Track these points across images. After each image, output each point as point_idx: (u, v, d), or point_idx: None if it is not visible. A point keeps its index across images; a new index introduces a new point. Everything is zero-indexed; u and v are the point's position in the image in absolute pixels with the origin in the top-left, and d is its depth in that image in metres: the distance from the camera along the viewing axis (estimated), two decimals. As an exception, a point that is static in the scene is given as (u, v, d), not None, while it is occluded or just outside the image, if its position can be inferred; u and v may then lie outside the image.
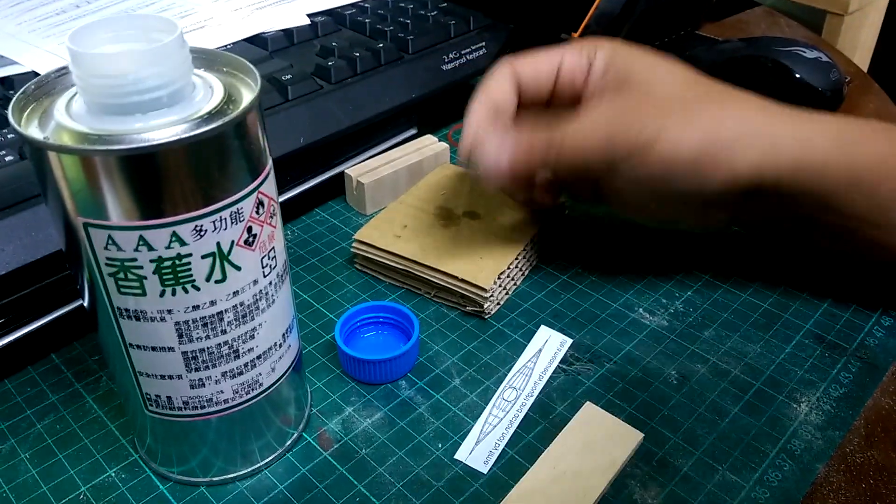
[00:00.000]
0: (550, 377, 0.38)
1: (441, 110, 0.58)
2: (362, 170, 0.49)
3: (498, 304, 0.42)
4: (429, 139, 0.52)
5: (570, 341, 0.40)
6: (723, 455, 0.34)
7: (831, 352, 0.39)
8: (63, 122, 0.24)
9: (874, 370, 0.38)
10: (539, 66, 0.41)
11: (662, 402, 0.37)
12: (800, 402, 0.36)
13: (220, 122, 0.24)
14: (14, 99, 0.25)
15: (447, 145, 0.52)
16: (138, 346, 0.28)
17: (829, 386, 0.37)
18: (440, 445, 0.35)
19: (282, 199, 0.47)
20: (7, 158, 0.38)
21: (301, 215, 0.50)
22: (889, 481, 0.33)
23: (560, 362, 0.39)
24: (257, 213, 0.27)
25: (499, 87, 0.41)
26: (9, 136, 0.40)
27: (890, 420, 0.36)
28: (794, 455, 0.34)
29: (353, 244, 0.45)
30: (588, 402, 0.36)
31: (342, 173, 0.50)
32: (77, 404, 0.37)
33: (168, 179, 0.24)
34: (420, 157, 0.50)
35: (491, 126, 0.40)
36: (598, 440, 0.34)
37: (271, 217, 0.28)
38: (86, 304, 0.29)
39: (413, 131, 0.54)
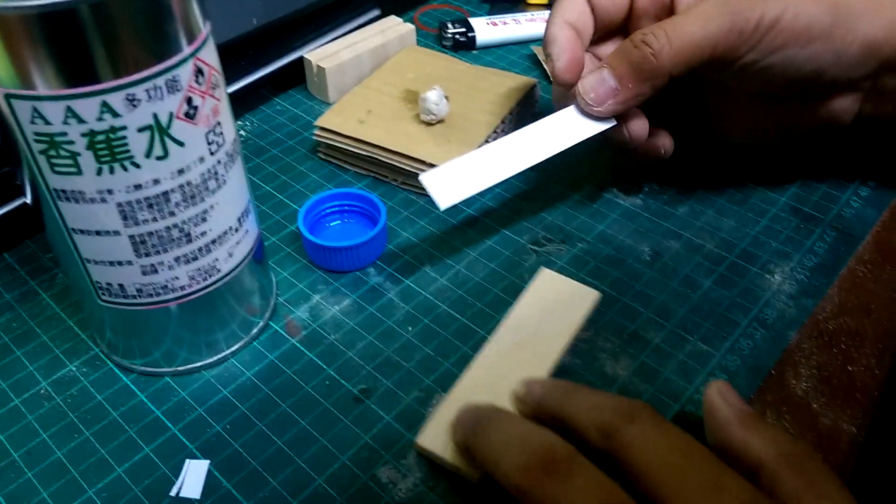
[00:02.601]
0: (521, 259, 0.37)
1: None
2: (323, 54, 0.47)
3: (468, 188, 0.41)
4: (393, 20, 0.50)
5: (541, 224, 0.39)
6: (694, 326, 0.34)
7: (807, 223, 0.38)
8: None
9: (850, 239, 0.38)
10: None
11: (635, 278, 0.36)
12: (773, 273, 0.36)
13: (142, -25, 0.22)
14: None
15: (413, 27, 0.49)
16: (81, 231, 0.26)
17: (803, 257, 0.37)
18: (410, 329, 0.34)
19: (237, 86, 0.45)
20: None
21: (259, 105, 0.48)
22: (860, 346, 0.33)
23: (531, 244, 0.38)
24: (196, 82, 0.25)
25: (574, 7, 0.37)
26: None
27: (864, 287, 0.35)
28: (766, 324, 0.34)
29: (316, 132, 0.42)
30: (543, 268, 0.35)
31: (301, 59, 0.47)
32: (33, 301, 0.35)
33: (91, 40, 0.22)
34: (384, 40, 0.48)
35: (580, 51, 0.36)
36: (555, 303, 0.33)
37: (213, 88, 0.26)
38: (26, 197, 0.27)
39: (376, 12, 0.51)
